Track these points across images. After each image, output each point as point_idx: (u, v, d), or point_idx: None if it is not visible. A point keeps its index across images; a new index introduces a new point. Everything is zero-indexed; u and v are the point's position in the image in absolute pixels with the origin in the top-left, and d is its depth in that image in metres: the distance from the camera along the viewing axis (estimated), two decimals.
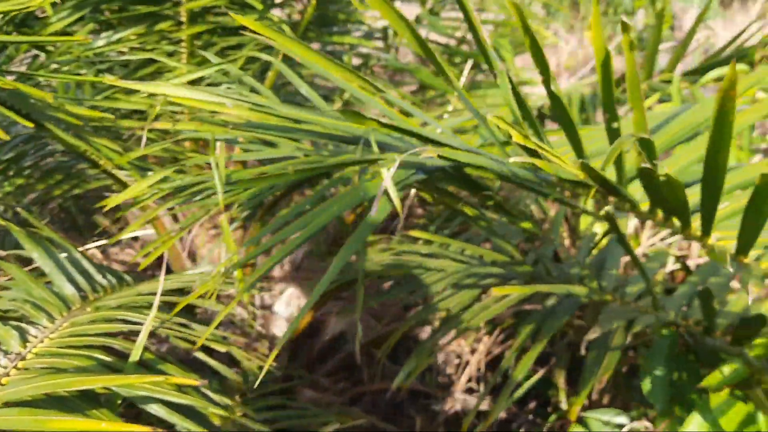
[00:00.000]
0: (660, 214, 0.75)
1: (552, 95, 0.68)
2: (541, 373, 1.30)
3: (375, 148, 0.84)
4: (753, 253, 0.75)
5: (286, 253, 0.72)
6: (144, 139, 0.86)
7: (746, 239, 0.63)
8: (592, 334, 0.91)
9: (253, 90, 1.46)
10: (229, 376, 1.31)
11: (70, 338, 0.97)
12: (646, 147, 0.62)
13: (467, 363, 1.79)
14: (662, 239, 1.74)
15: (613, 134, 0.68)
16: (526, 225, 1.33)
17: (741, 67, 1.47)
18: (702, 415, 0.82)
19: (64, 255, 1.24)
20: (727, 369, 0.80)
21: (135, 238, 2.19)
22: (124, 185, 1.47)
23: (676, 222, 0.75)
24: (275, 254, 0.73)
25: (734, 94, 0.57)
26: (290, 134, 1.00)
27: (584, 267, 1.20)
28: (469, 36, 2.32)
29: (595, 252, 1.40)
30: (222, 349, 1.12)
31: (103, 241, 1.84)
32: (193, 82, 1.46)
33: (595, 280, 1.18)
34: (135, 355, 0.94)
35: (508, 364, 1.06)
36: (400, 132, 0.74)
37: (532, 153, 0.71)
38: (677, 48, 1.63)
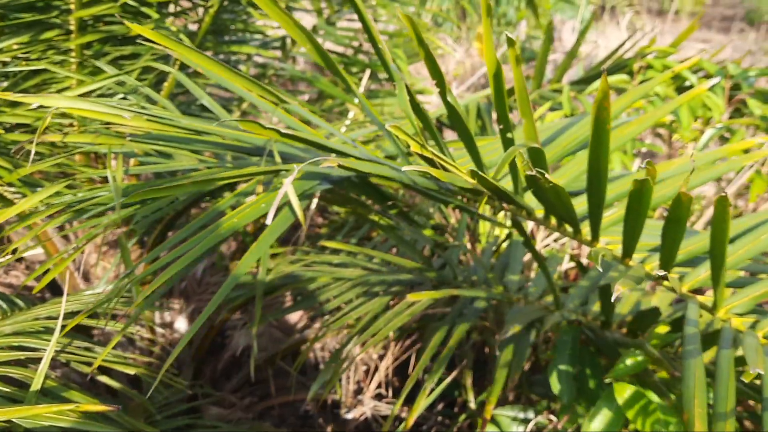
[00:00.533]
0: (553, 220, 0.79)
1: (449, 107, 0.70)
2: (453, 374, 1.33)
3: (278, 159, 0.84)
4: (639, 257, 0.81)
5: (183, 267, 0.70)
6: (32, 154, 0.81)
7: (629, 243, 0.67)
8: (504, 335, 0.94)
9: (149, 99, 1.41)
10: (133, 397, 1.27)
11: None
12: (537, 156, 0.65)
13: (376, 369, 1.80)
14: (556, 240, 1.83)
15: (508, 144, 0.71)
16: (428, 232, 1.37)
17: (621, 77, 1.57)
18: (606, 405, 0.87)
19: None
20: (629, 360, 0.85)
21: (19, 259, 2.07)
22: (8, 202, 1.39)
23: (568, 228, 0.79)
24: (170, 269, 0.71)
25: (608, 105, 0.62)
26: (192, 146, 0.98)
27: (489, 270, 1.25)
28: (366, 46, 2.35)
29: (496, 254, 1.45)
30: (130, 371, 1.08)
31: None
32: (85, 93, 1.40)
33: (500, 282, 1.23)
34: (36, 384, 0.89)
35: (423, 367, 1.08)
36: (302, 142, 0.74)
37: (431, 162, 0.74)
38: (564, 59, 1.72)
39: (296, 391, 1.93)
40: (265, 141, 0.91)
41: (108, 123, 1.33)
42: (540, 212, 0.78)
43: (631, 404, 0.83)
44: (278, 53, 2.14)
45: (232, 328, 2.00)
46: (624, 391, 0.88)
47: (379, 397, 1.81)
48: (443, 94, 0.69)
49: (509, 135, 0.68)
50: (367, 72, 2.20)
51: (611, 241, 0.75)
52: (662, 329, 0.90)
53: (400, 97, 0.74)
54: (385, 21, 2.55)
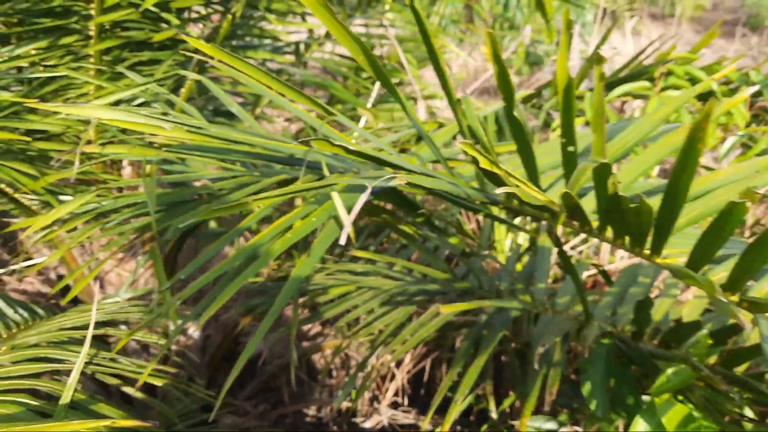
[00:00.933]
0: (610, 232, 0.78)
1: (514, 120, 0.70)
2: (483, 387, 1.32)
3: (326, 171, 0.83)
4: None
5: (240, 282, 0.69)
6: (77, 164, 0.80)
7: (699, 257, 0.66)
8: (542, 347, 0.93)
9: (168, 102, 1.40)
10: (153, 406, 1.25)
11: None
12: (604, 171, 0.64)
13: (392, 377, 1.79)
14: (572, 247, 1.82)
15: (570, 158, 0.70)
16: (455, 240, 1.36)
17: (642, 83, 1.57)
18: (646, 419, 0.86)
19: None
20: (673, 374, 0.84)
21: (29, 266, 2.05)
22: (26, 209, 1.37)
23: (627, 240, 0.77)
24: (227, 291, 0.69)
25: (707, 126, 0.60)
26: (226, 156, 0.97)
27: (517, 279, 1.24)
28: (377, 50, 2.34)
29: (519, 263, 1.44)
30: (157, 383, 1.06)
31: (0, 271, 1.71)
32: (105, 99, 1.39)
33: (527, 292, 1.22)
34: (66, 397, 0.88)
35: (453, 378, 1.07)
36: (367, 158, 0.73)
37: (491, 176, 0.72)
38: (583, 65, 1.71)
39: (308, 399, 1.92)
40: (304, 152, 0.90)
41: (124, 130, 1.32)
42: (594, 223, 0.77)
43: (672, 419, 0.82)
44: (291, 58, 2.13)
45: (245, 334, 1.98)
46: (663, 405, 0.87)
47: (395, 405, 1.80)
48: (510, 108, 0.68)
49: (571, 149, 0.67)
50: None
51: (668, 254, 0.73)
52: (706, 342, 0.89)
53: (468, 110, 0.73)
54: (395, 26, 2.55)
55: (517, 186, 0.63)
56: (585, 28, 4.65)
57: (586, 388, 1.00)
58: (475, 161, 0.63)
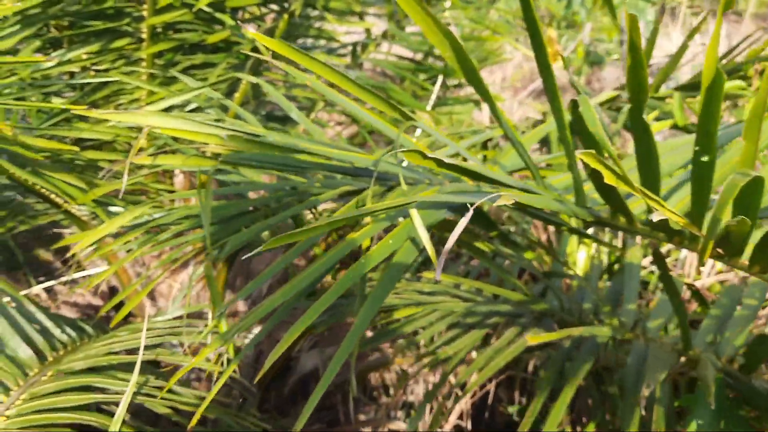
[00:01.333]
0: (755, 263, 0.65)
1: (640, 120, 0.59)
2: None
3: (404, 186, 0.73)
4: None
5: (325, 303, 0.60)
6: (126, 175, 0.73)
7: None
8: (647, 389, 0.82)
9: (221, 107, 1.32)
10: None
11: (33, 415, 0.81)
12: (755, 187, 0.52)
13: (456, 398, 1.68)
14: (651, 262, 1.68)
15: (705, 168, 0.58)
16: (530, 255, 1.24)
17: (736, 83, 1.43)
18: None
19: (11, 303, 1.08)
20: None
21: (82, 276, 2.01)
22: (77, 220, 1.31)
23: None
24: (317, 304, 0.61)
25: None
26: (296, 166, 0.88)
27: (603, 301, 1.12)
28: (437, 51, 2.23)
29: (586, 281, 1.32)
30: (210, 415, 0.98)
31: (53, 282, 1.66)
32: (152, 104, 1.32)
33: (614, 314, 1.10)
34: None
35: (536, 413, 0.96)
36: (461, 173, 0.63)
37: (608, 191, 0.61)
38: (667, 64, 1.58)
39: (366, 419, 1.83)
40: (372, 161, 0.80)
41: (175, 137, 1.24)
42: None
43: None
44: (347, 60, 2.04)
45: (298, 350, 1.90)
46: None
47: (458, 429, 1.69)
48: (639, 108, 0.57)
49: (705, 159, 0.56)
50: (440, 78, 2.09)
51: None
52: None
53: (585, 112, 0.62)
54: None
55: (661, 207, 0.51)
56: (647, 26, 4.46)
57: (692, 429, 0.88)
58: (595, 175, 0.52)
